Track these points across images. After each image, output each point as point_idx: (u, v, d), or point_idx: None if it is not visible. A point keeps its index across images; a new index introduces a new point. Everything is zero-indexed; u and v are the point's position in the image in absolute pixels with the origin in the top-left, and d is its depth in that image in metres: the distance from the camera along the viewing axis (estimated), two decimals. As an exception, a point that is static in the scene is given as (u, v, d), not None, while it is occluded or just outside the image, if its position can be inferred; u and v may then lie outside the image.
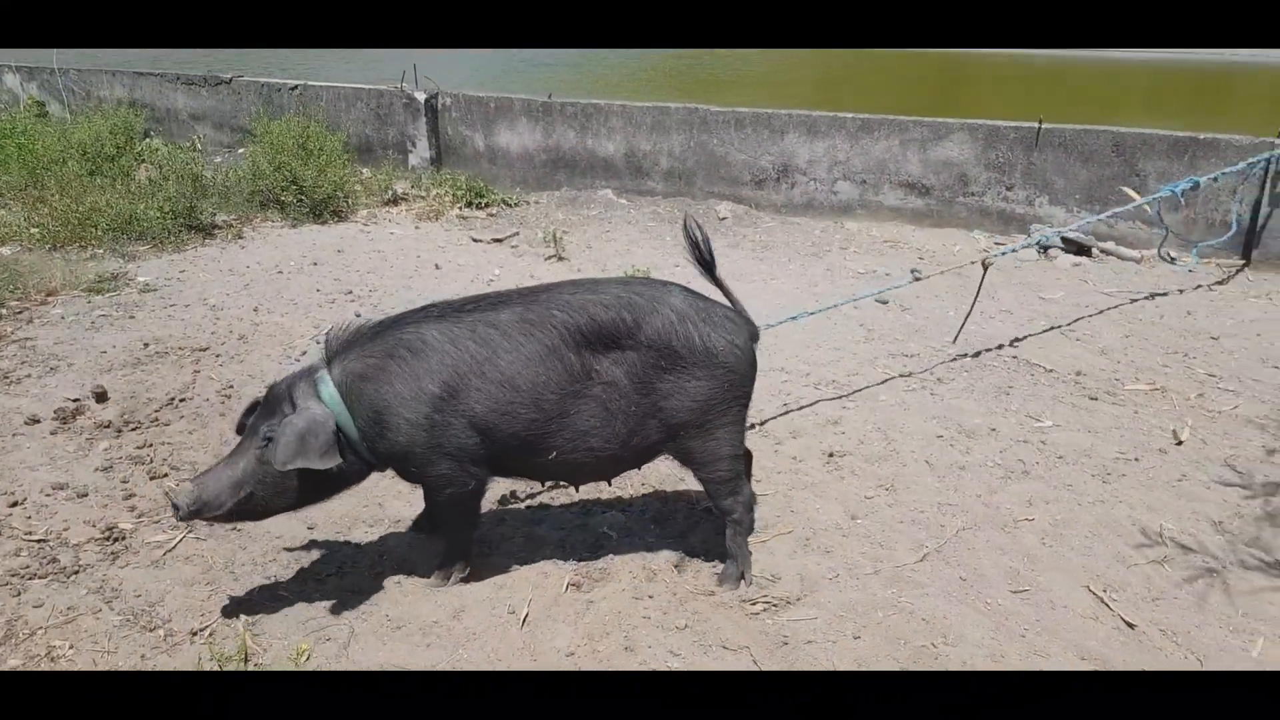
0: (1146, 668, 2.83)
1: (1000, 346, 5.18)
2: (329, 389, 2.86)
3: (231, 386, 4.62)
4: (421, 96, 8.52)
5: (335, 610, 3.08)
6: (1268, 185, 6.45)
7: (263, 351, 5.00)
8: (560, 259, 6.54)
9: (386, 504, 3.70)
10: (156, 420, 4.28)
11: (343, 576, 3.28)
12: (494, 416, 2.87)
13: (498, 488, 3.79)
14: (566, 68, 22.03)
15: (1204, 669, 2.83)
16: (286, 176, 7.20)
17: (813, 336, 5.30)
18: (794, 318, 4.75)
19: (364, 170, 8.45)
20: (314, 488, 2.94)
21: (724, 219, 7.56)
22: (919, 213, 7.58)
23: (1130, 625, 3.02)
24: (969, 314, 5.18)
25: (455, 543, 3.21)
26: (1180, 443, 4.17)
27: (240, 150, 9.18)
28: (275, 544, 3.44)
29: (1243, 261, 6.63)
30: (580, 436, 2.95)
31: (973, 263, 4.96)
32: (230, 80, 9.71)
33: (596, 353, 2.90)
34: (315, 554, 3.40)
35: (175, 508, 2.81)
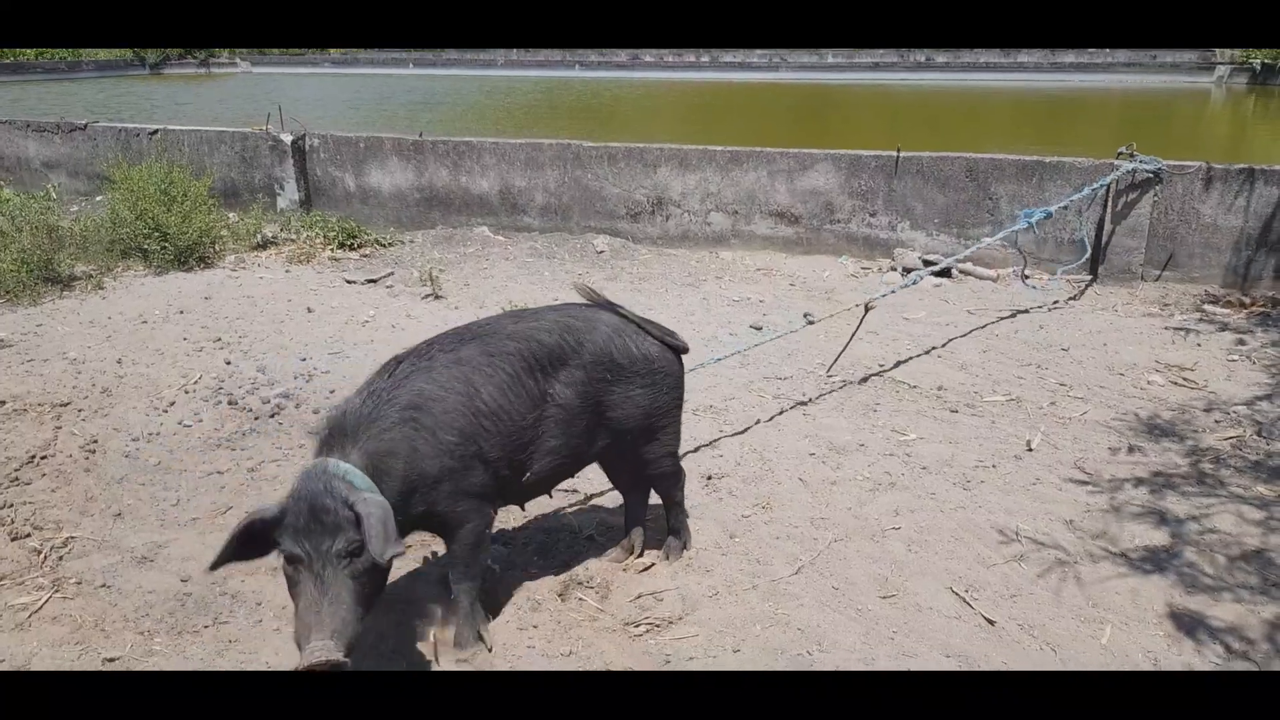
0: (1006, 662, 2.99)
1: (868, 367, 5.40)
2: (362, 477, 2.64)
3: (95, 441, 4.42)
4: (288, 138, 8.38)
5: (211, 660, 2.98)
6: (1109, 204, 6.95)
7: (128, 404, 4.80)
8: (437, 297, 6.51)
9: (260, 553, 3.59)
10: (17, 480, 4.07)
11: (220, 627, 3.18)
12: (493, 450, 2.95)
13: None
14: (438, 105, 21.97)
15: (1060, 659, 3.01)
16: (149, 224, 6.95)
17: (689, 361, 5.41)
18: (715, 360, 4.89)
19: (231, 215, 8.24)
20: (385, 578, 2.73)
21: (601, 252, 7.67)
22: (790, 241, 7.86)
23: (991, 622, 3.18)
24: (845, 348, 5.34)
25: (471, 599, 3.08)
26: (1031, 449, 4.43)
27: (98, 198, 8.81)
28: (148, 599, 3.31)
29: (1090, 277, 7.10)
30: (547, 456, 3.11)
31: (857, 305, 5.17)
32: (85, 126, 9.34)
33: (548, 376, 3.08)
34: (191, 607, 3.29)
35: (336, 664, 2.41)
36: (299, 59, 35.27)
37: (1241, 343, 5.79)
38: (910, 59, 34.68)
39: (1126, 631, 3.14)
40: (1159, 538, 3.69)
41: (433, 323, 6.05)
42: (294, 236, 7.71)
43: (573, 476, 3.39)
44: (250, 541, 2.59)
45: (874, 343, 5.85)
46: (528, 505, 3.56)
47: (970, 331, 6.05)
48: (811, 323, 4.93)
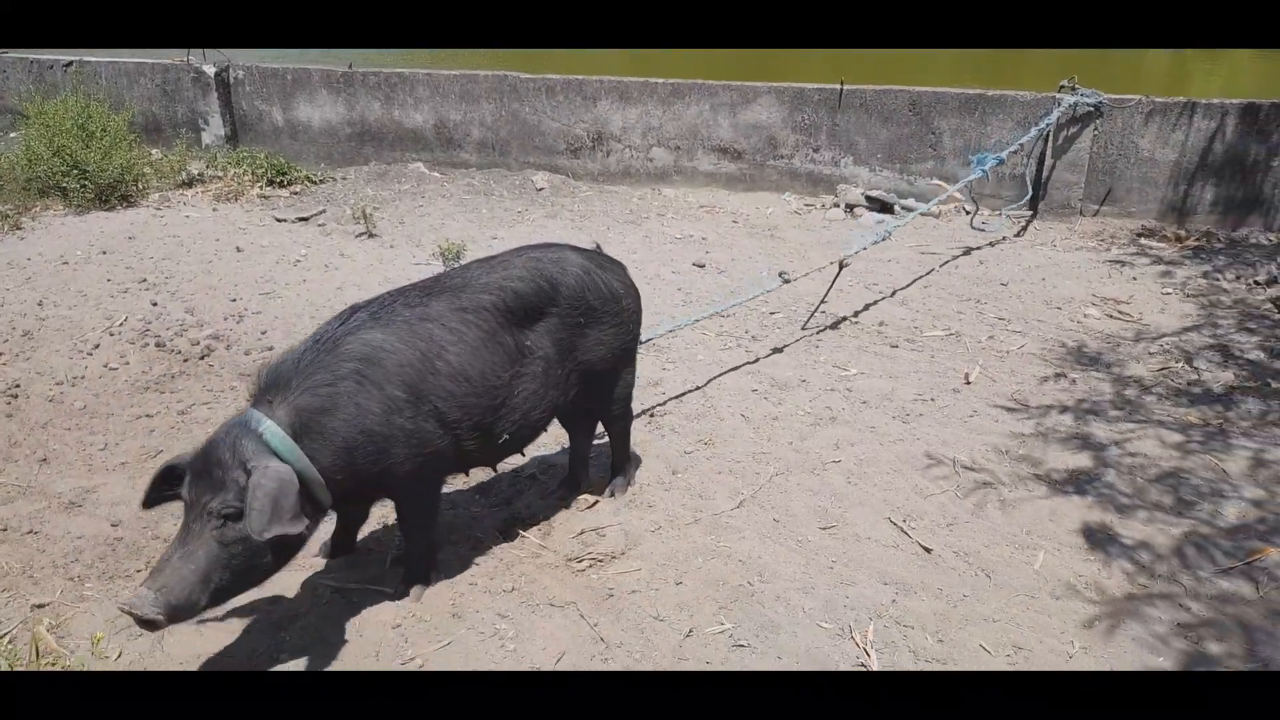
0: (941, 588, 3.05)
1: (810, 303, 5.40)
2: (281, 438, 2.46)
3: (18, 386, 4.25)
4: (211, 70, 8.00)
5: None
6: (1050, 139, 6.97)
7: (51, 347, 4.61)
8: (371, 235, 6.33)
9: (191, 498, 3.50)
10: (-71, 427, 3.90)
11: (150, 573, 3.10)
12: (454, 411, 2.75)
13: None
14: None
15: (994, 583, 3.08)
16: (67, 161, 6.61)
17: (660, 322, 5.36)
18: (693, 320, 4.78)
19: (154, 151, 7.88)
20: (281, 554, 2.53)
21: (541, 189, 7.52)
22: (733, 177, 7.78)
23: (927, 550, 3.24)
24: (819, 305, 5.25)
25: (425, 547, 3.00)
26: (969, 382, 4.49)
27: (13, 134, 8.37)
28: (77, 544, 3.21)
29: (1031, 212, 7.16)
30: (524, 414, 2.96)
31: (831, 263, 5.11)
32: (-7, 56, 8.81)
33: (525, 329, 2.93)
34: (122, 551, 3.20)
35: (147, 622, 2.30)
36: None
37: (1175, 276, 5.91)
38: (855, -6, 34.39)
39: (1059, 556, 3.22)
40: (1085, 462, 3.79)
41: (366, 261, 5.89)
42: (221, 174, 7.41)
43: (545, 431, 3.22)
44: (173, 482, 2.50)
45: (817, 280, 5.84)
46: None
47: (911, 268, 6.08)
48: (787, 281, 4.85)
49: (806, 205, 7.50)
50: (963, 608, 2.96)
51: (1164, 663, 2.74)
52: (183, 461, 2.48)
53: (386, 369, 2.63)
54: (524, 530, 3.32)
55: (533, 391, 2.95)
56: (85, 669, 2.63)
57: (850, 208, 7.38)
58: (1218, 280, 5.81)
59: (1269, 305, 5.36)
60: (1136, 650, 2.79)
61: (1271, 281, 5.69)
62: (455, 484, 3.62)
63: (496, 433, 2.90)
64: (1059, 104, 6.81)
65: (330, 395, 2.56)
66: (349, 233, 6.41)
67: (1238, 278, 5.82)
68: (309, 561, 3.15)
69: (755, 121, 7.61)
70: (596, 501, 3.49)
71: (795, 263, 5.81)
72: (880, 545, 3.27)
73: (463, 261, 5.62)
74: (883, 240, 5.55)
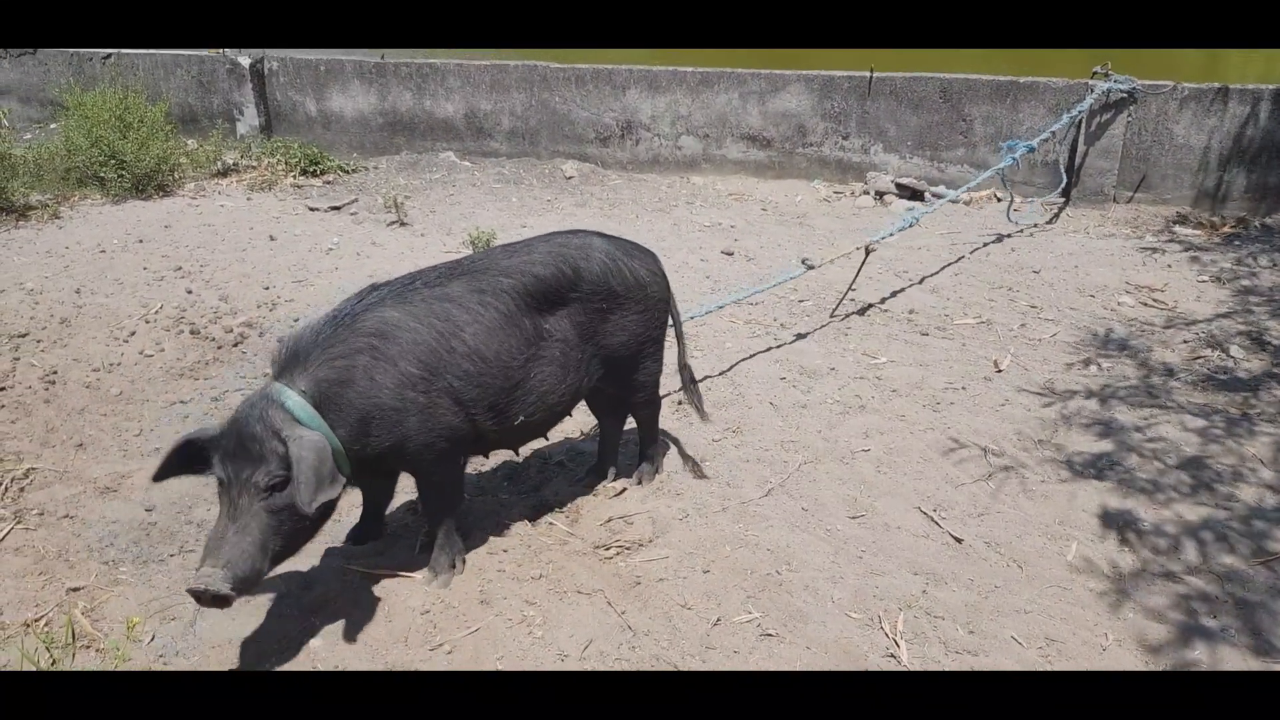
0: (972, 578, 3.03)
1: (839, 291, 5.36)
2: (304, 408, 2.53)
3: (55, 372, 4.33)
4: (246, 61, 8.08)
5: (178, 589, 2.96)
6: (1083, 126, 6.87)
7: (88, 334, 4.69)
8: (402, 224, 6.37)
9: (226, 483, 3.55)
10: (-29, 413, 3.98)
11: (185, 556, 3.16)
12: (469, 390, 2.80)
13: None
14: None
15: (1026, 574, 3.06)
16: (105, 151, 6.71)
17: (687, 308, 5.36)
18: (718, 306, 4.80)
19: (190, 141, 7.97)
20: (324, 512, 2.62)
21: (570, 178, 7.53)
22: (761, 165, 7.74)
23: (958, 540, 3.22)
24: (847, 291, 5.20)
25: (447, 529, 3.03)
26: (1000, 370, 4.44)
27: (52, 126, 8.50)
28: (112, 529, 3.27)
29: (1064, 199, 7.06)
30: (541, 397, 2.99)
31: (858, 249, 5.07)
32: (35, 50, 8.95)
33: (545, 313, 2.96)
34: (156, 536, 3.26)
35: (221, 599, 2.39)
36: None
37: (1211, 263, 5.81)
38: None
39: (1092, 547, 3.18)
40: (1114, 449, 3.76)
41: (398, 249, 5.93)
42: (255, 163, 7.49)
43: (569, 415, 3.26)
44: (190, 458, 2.55)
45: (846, 267, 5.80)
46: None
47: (942, 255, 6.02)
48: (811, 268, 4.80)
49: (836, 193, 7.45)
50: (994, 599, 2.94)
51: (1197, 655, 2.71)
52: (203, 438, 2.53)
53: (401, 345, 2.69)
54: (552, 517, 3.34)
55: (551, 375, 2.98)
56: (112, 664, 2.68)
57: (880, 195, 7.32)
58: (1252, 266, 5.70)
59: (1310, 293, 5.26)
60: (1145, 623, 2.76)
61: (1312, 269, 5.58)
62: (484, 469, 3.65)
63: (513, 414, 2.93)
64: (1092, 90, 6.70)
65: (346, 368, 2.63)
66: (380, 221, 6.45)
67: (1273, 264, 5.70)
68: (339, 548, 3.19)
69: (784, 109, 7.56)
70: (625, 489, 3.50)
71: (824, 250, 5.75)
72: (910, 535, 3.25)
73: (492, 250, 5.68)
74: (910, 226, 5.50)
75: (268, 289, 5.28)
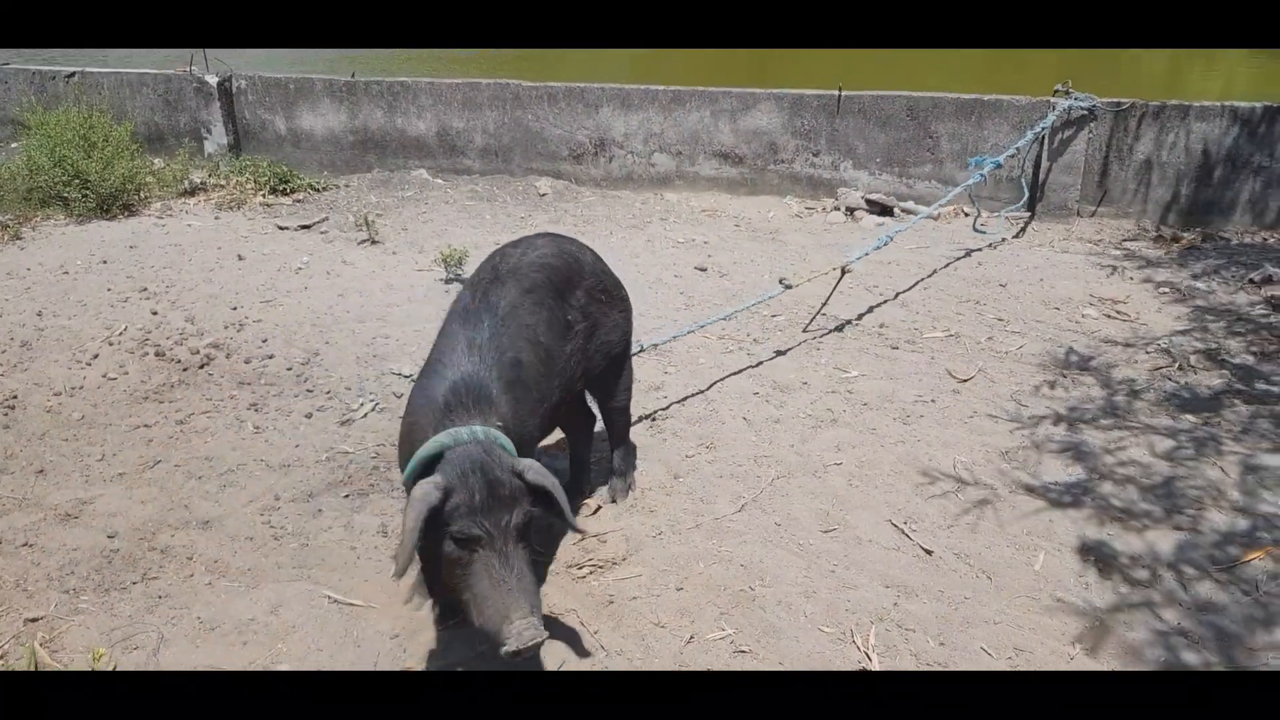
0: (943, 589, 3.04)
1: (811, 306, 5.39)
2: (510, 443, 2.47)
3: (15, 396, 4.25)
4: (214, 80, 8.03)
5: (141, 617, 2.91)
6: (1046, 142, 6.98)
7: (49, 358, 4.62)
8: (374, 242, 6.34)
9: (193, 505, 3.51)
10: (-73, 439, 3.90)
11: (148, 583, 3.10)
12: (552, 392, 2.90)
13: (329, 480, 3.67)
14: (372, 52, 21.15)
15: (995, 585, 3.07)
16: (68, 171, 6.63)
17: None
18: (699, 326, 4.81)
19: (156, 160, 7.89)
20: None
21: (544, 195, 7.53)
22: (734, 181, 7.79)
23: (928, 552, 3.23)
24: (821, 308, 5.23)
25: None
26: (969, 383, 4.48)
27: (13, 145, 8.40)
28: (73, 556, 3.20)
29: (1029, 214, 7.16)
30: (571, 384, 3.06)
31: (834, 269, 5.10)
32: (-5, 67, 8.86)
33: (567, 302, 3.01)
34: (118, 563, 3.20)
35: (538, 646, 2.26)
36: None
37: (1170, 276, 5.90)
38: (855, -2, 34.41)
39: (1059, 557, 3.21)
40: (1078, 460, 3.80)
41: (369, 268, 5.90)
42: (223, 182, 7.43)
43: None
44: (428, 529, 2.30)
45: (818, 283, 5.84)
46: None
47: (911, 270, 6.08)
48: (789, 287, 4.83)
49: (808, 209, 7.50)
50: (964, 610, 2.95)
51: (1154, 665, 2.73)
52: (436, 503, 2.29)
53: (529, 372, 2.75)
54: (524, 536, 3.32)
55: (577, 364, 3.06)
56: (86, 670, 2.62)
57: (851, 211, 7.38)
58: (1211, 280, 5.80)
59: (1263, 305, 5.35)
60: (1128, 654, 2.78)
61: (1266, 281, 5.67)
62: (456, 490, 3.62)
63: (561, 404, 3.03)
64: (1054, 108, 6.81)
65: (514, 402, 2.61)
66: (351, 240, 6.42)
67: (1232, 278, 5.80)
68: (307, 573, 3.15)
69: (755, 127, 7.62)
70: (599, 507, 3.49)
71: (797, 265, 5.80)
72: (882, 548, 3.26)
73: (465, 267, 5.66)
74: (884, 245, 5.55)
75: (235, 309, 5.23)
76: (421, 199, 7.41)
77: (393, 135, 8.04)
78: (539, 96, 7.74)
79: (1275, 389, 4.37)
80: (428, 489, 2.28)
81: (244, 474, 3.73)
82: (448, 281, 5.65)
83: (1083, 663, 2.74)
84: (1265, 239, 6.60)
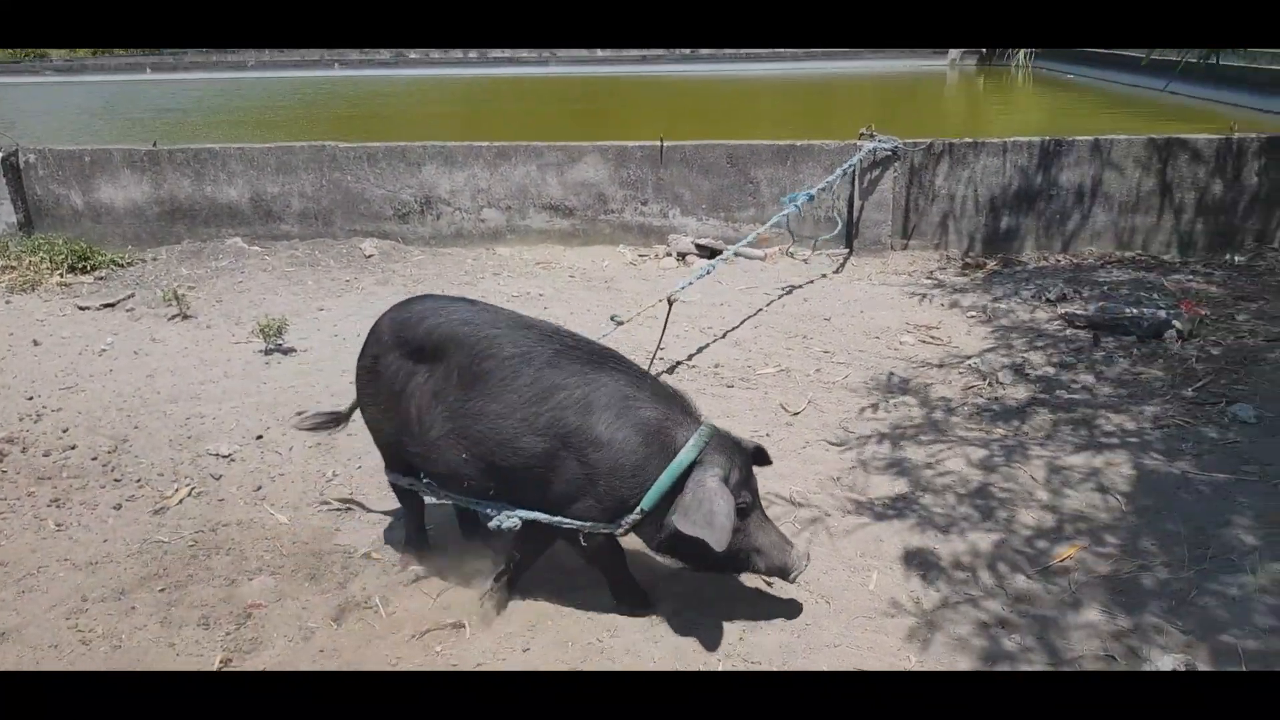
0: (785, 618, 3.09)
1: (647, 350, 5.45)
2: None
3: None
4: (-1, 154, 7.48)
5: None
6: (856, 182, 7.39)
7: None
8: (185, 317, 6.00)
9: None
10: None
11: None
12: None
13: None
14: (188, 111, 20.35)
15: (833, 609, 3.14)
16: None
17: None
18: None
19: (-64, 243, 7.25)
20: None
21: (370, 256, 7.35)
22: (566, 233, 7.85)
23: (768, 582, 3.28)
24: (659, 344, 5.28)
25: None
26: (800, 415, 4.63)
27: None
28: None
29: (847, 250, 7.53)
30: None
31: (660, 301, 5.16)
32: None
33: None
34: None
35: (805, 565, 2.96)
36: (15, 66, 31.24)
37: (977, 300, 6.32)
38: (677, 51, 35.66)
39: (890, 575, 3.32)
40: (903, 482, 3.97)
41: (180, 344, 5.57)
42: (14, 263, 6.88)
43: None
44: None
45: (654, 327, 5.92)
46: None
47: (741, 310, 6.26)
48: (620, 323, 4.86)
49: (640, 256, 7.63)
50: (806, 636, 3.00)
51: (979, 655, 2.86)
52: (729, 488, 2.83)
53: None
54: (360, 613, 3.16)
55: None
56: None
57: (682, 256, 7.56)
58: (1012, 301, 6.25)
59: (1059, 321, 5.80)
60: (952, 654, 2.91)
61: (1060, 299, 6.17)
62: (283, 572, 3.42)
63: None
64: (860, 150, 7.25)
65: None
66: (161, 316, 6.05)
67: (1030, 298, 6.27)
68: (118, 674, 2.89)
69: (583, 179, 7.72)
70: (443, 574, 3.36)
71: (632, 311, 5.85)
72: (720, 586, 3.28)
73: (285, 337, 5.42)
74: (706, 275, 5.70)
75: (31, 399, 4.82)
76: (237, 268, 7.08)
77: (202, 204, 7.68)
78: (358, 157, 7.59)
79: (1075, 396, 4.73)
80: (717, 484, 2.79)
81: (45, 576, 3.41)
82: (267, 353, 5.40)
83: (921, 666, 2.83)
84: (1057, 261, 7.18)
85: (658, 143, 7.65)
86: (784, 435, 4.42)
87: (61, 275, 6.76)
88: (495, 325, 2.97)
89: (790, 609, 3.14)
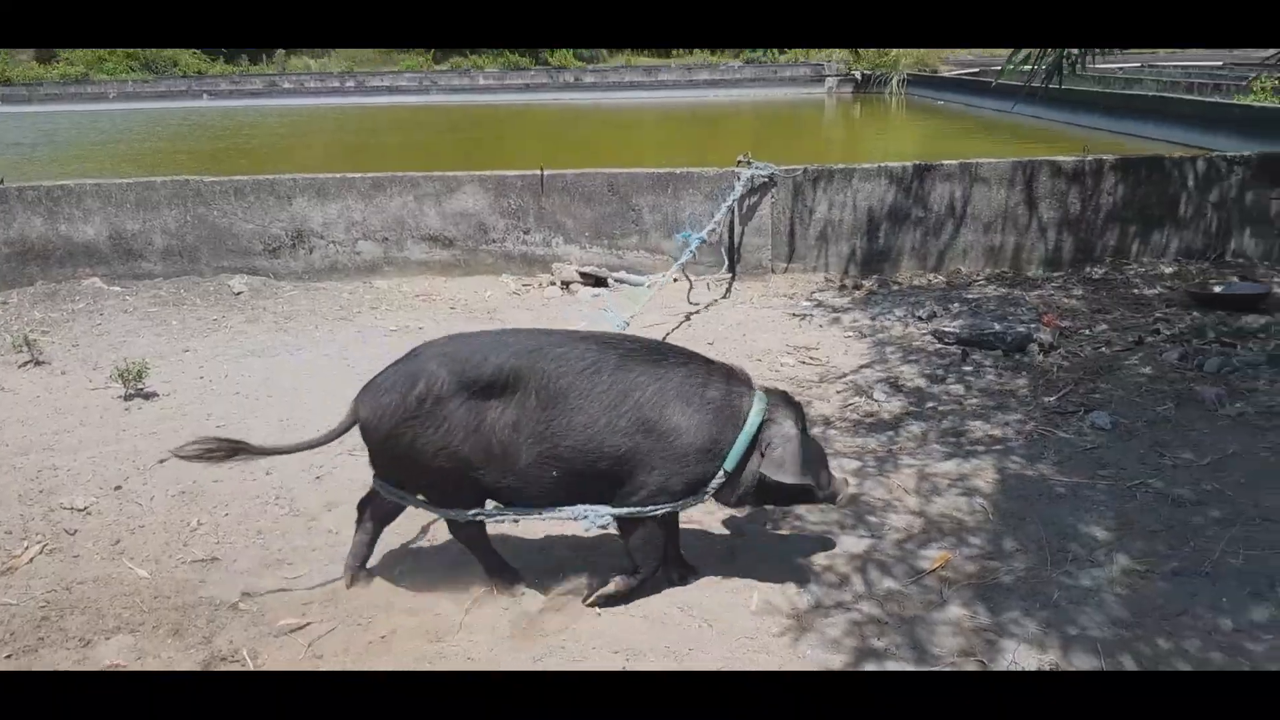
0: (669, 644, 3.07)
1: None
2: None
3: None
4: None
5: None
6: (737, 208, 7.52)
7: None
8: (38, 364, 5.64)
9: None
10: None
11: None
12: None
13: None
14: (23, 148, 19.31)
15: (716, 631, 3.15)
16: None
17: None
18: None
19: None
20: None
21: (239, 293, 7.08)
22: (447, 264, 7.74)
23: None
24: None
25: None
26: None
27: None
28: None
29: (731, 275, 7.64)
30: None
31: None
32: None
33: None
34: None
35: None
36: None
37: (854, 321, 6.50)
38: (560, 79, 35.93)
39: (771, 593, 3.35)
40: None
41: (32, 393, 5.23)
42: None
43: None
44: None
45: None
46: None
47: (627, 335, 6.26)
48: None
49: (524, 285, 7.58)
50: (689, 661, 2.99)
51: (850, 652, 2.91)
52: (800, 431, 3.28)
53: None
54: (228, 667, 3.00)
55: None
56: None
57: (566, 284, 7.54)
58: (887, 319, 6.46)
59: (930, 336, 6.02)
60: (829, 646, 3.03)
61: (931, 317, 6.41)
62: (143, 630, 3.23)
63: None
64: (739, 178, 7.39)
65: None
66: (10, 364, 5.68)
67: (904, 315, 6.50)
68: None
69: (463, 209, 7.65)
70: (308, 624, 3.23)
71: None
72: (608, 615, 3.25)
73: (146, 381, 5.15)
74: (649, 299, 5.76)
75: None
76: (96, 310, 6.72)
77: (57, 243, 7.27)
78: (224, 191, 7.33)
79: (943, 407, 4.90)
80: (797, 433, 3.23)
81: (-128, 652, 3.12)
82: (127, 398, 5.12)
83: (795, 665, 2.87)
84: (929, 280, 7.46)
85: (538, 172, 7.64)
86: (668, 460, 4.42)
87: (-105, 324, 6.28)
88: (559, 345, 3.15)
89: (674, 634, 3.13)
